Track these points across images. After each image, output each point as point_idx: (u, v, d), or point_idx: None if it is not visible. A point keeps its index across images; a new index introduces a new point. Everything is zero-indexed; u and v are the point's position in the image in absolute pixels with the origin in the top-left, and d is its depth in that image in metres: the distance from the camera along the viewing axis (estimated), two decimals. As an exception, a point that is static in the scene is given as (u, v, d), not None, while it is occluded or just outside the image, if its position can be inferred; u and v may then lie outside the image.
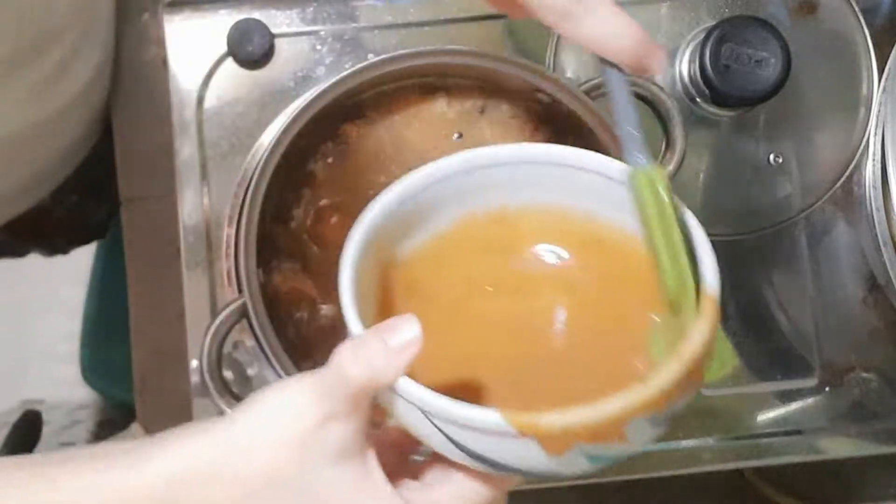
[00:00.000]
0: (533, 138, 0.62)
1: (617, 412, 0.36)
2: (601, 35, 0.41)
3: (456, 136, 0.63)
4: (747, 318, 0.68)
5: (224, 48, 0.66)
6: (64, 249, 0.95)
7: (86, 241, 0.99)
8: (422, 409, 0.38)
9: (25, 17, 0.57)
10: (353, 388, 0.38)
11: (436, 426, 0.38)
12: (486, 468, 0.39)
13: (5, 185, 0.69)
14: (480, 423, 0.37)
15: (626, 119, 0.43)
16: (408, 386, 0.38)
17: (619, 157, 0.44)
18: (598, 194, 0.45)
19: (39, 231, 0.85)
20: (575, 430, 0.37)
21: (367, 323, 0.41)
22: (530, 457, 0.38)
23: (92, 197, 0.84)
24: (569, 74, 0.69)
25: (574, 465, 0.39)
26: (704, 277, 0.40)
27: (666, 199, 0.42)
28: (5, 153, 0.64)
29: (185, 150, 0.66)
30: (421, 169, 0.46)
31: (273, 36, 0.66)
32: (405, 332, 0.38)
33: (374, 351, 0.38)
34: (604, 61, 0.43)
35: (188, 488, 0.39)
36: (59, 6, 0.61)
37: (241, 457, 0.39)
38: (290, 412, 0.39)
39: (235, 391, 0.57)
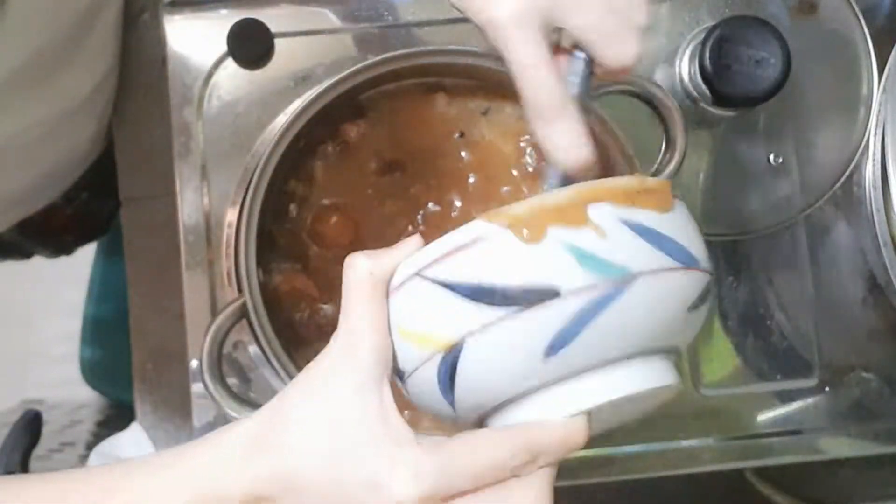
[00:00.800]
0: (533, 139, 0.63)
1: (575, 191, 0.41)
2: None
3: (457, 135, 0.63)
4: (747, 318, 0.68)
5: (224, 48, 0.66)
6: (70, 248, 0.95)
7: (90, 239, 0.99)
8: (418, 271, 0.41)
9: (50, 19, 0.58)
10: (358, 272, 0.42)
11: (432, 281, 0.41)
12: (485, 309, 0.40)
13: (19, 185, 0.69)
14: (464, 235, 0.41)
15: None
16: (405, 260, 0.42)
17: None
18: None
19: (49, 229, 0.85)
20: (540, 208, 0.40)
21: None
22: (515, 259, 0.40)
23: (99, 195, 0.84)
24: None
25: (560, 264, 0.39)
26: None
27: None
28: (20, 151, 0.64)
29: (185, 150, 0.66)
30: None
31: (273, 36, 0.66)
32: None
33: (376, 249, 0.43)
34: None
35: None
36: (79, 7, 0.61)
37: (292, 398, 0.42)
38: (324, 354, 0.43)
39: (235, 391, 0.57)
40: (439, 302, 0.41)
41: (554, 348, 0.40)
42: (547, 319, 0.39)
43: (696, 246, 0.43)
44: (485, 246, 0.40)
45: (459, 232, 0.41)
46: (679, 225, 0.42)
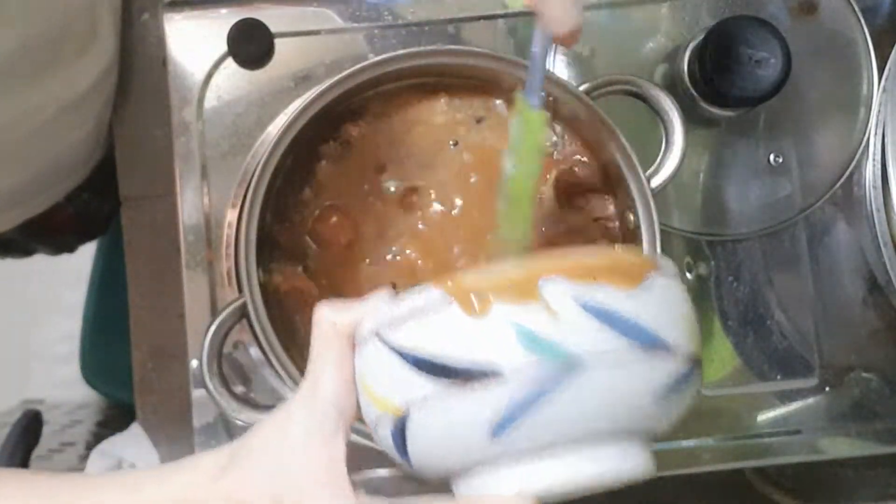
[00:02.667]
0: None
1: (528, 264, 0.39)
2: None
3: (452, 143, 0.63)
4: (747, 318, 0.68)
5: (224, 48, 0.66)
6: (72, 247, 0.95)
7: (91, 238, 0.99)
8: (375, 331, 0.41)
9: (42, 9, 0.58)
10: (321, 323, 0.43)
11: (384, 343, 0.40)
12: (428, 381, 0.39)
13: (18, 181, 0.69)
14: (415, 301, 0.40)
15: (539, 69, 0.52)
16: (368, 315, 0.42)
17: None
18: None
19: (50, 228, 0.85)
20: (489, 279, 0.39)
21: None
22: (458, 333, 0.38)
23: (100, 194, 0.84)
24: (569, 74, 0.69)
25: (503, 343, 0.38)
26: None
27: (536, 143, 0.53)
28: (17, 144, 0.64)
29: (185, 150, 0.66)
30: None
31: (273, 36, 0.66)
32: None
33: (342, 302, 0.44)
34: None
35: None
36: (64, 2, 0.61)
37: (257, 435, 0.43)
38: (291, 397, 0.43)
39: (235, 391, 0.57)
40: (389, 366, 0.40)
41: (500, 428, 0.38)
42: (490, 399, 0.38)
43: (670, 327, 0.40)
44: (432, 315, 0.39)
45: (413, 296, 0.40)
46: (649, 303, 0.39)
